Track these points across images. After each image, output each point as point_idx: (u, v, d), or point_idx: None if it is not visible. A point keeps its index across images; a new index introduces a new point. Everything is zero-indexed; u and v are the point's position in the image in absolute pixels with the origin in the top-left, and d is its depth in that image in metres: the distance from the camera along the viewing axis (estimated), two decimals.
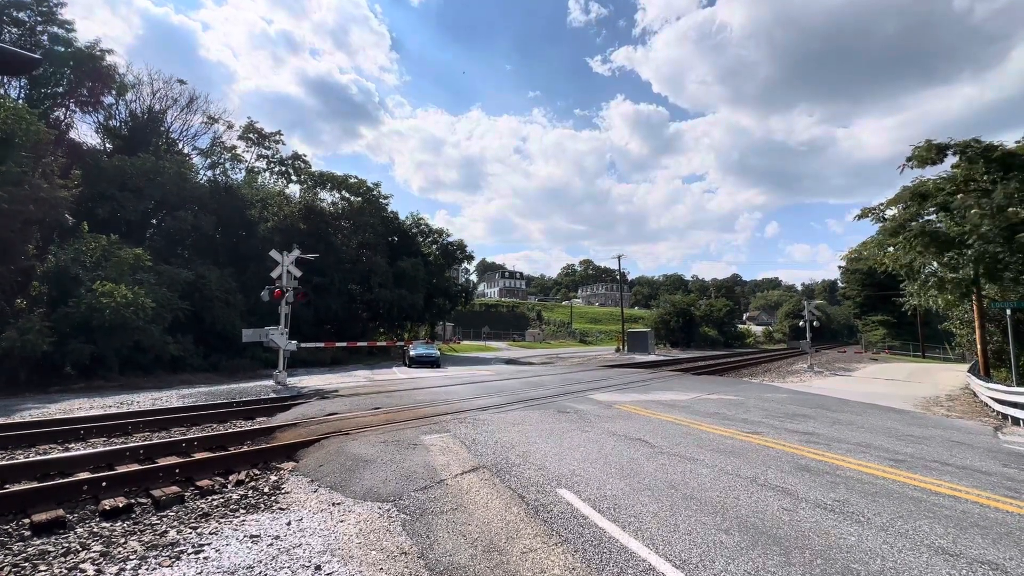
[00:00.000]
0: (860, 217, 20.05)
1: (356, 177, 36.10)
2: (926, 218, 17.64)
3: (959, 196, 15.87)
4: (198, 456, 7.05)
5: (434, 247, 42.17)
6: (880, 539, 4.33)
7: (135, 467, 6.48)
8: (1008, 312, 14.72)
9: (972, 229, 14.64)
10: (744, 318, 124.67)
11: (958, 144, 16.78)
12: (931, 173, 18.01)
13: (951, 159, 17.28)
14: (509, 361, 30.93)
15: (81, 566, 3.91)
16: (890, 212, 19.30)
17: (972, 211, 14.67)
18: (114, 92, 25.26)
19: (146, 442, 7.97)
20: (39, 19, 22.53)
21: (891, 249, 17.93)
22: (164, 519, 4.94)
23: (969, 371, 18.93)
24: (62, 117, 23.77)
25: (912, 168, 17.80)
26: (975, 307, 18.55)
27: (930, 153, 17.13)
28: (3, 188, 15.01)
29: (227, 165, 31.59)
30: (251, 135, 33.49)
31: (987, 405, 13.19)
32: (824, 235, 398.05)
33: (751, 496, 5.36)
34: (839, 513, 4.91)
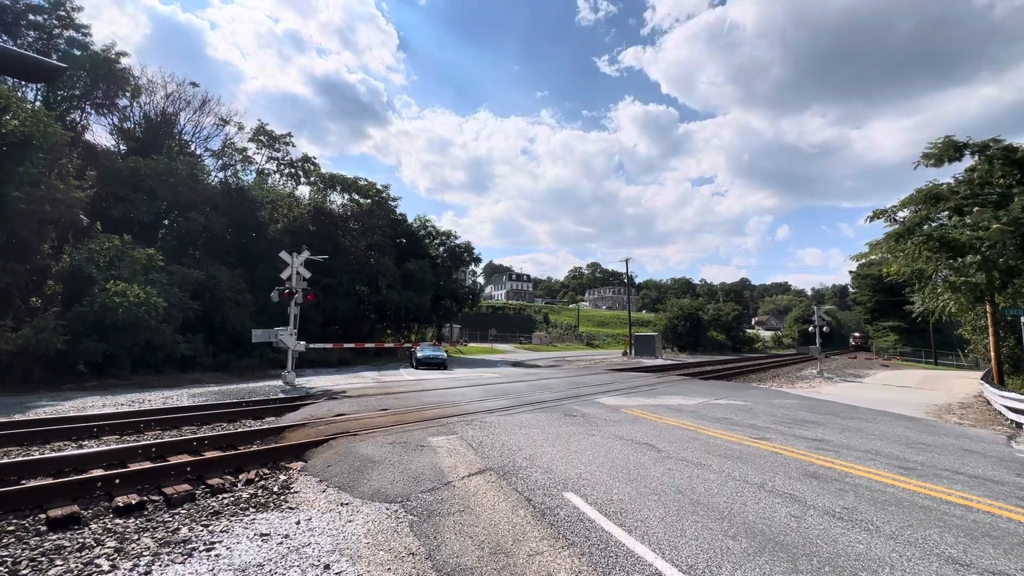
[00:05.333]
0: (872, 219, 19.87)
1: (366, 179, 36.46)
2: (938, 222, 17.43)
3: (975, 209, 15.66)
4: (209, 455, 7.14)
5: (441, 249, 42.35)
6: (889, 547, 4.30)
7: (147, 465, 6.57)
8: (1022, 319, 14.51)
9: (988, 239, 14.42)
10: (753, 323, 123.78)
11: (976, 144, 16.56)
12: (947, 174, 17.82)
13: (968, 161, 17.07)
14: (516, 364, 30.94)
15: (96, 561, 3.98)
16: (902, 214, 19.10)
17: (995, 226, 14.44)
18: (128, 95, 25.68)
19: (158, 440, 8.08)
20: (56, 23, 22.97)
21: (901, 255, 17.69)
22: (176, 516, 5.01)
23: (982, 379, 18.66)
24: (78, 119, 24.19)
25: (927, 167, 17.56)
26: (989, 313, 18.29)
27: (948, 150, 16.91)
28: (21, 189, 15.30)
29: (238, 167, 32.07)
30: (262, 137, 33.92)
31: (1000, 413, 13.00)
32: (836, 239, 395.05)
33: (758, 502, 5.33)
34: (848, 521, 4.88)
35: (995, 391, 13.94)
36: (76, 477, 5.81)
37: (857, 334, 75.01)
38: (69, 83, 23.20)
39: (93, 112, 25.09)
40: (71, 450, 7.58)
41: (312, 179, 36.37)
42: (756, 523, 4.75)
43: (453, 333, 54.00)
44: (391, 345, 31.70)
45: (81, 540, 4.39)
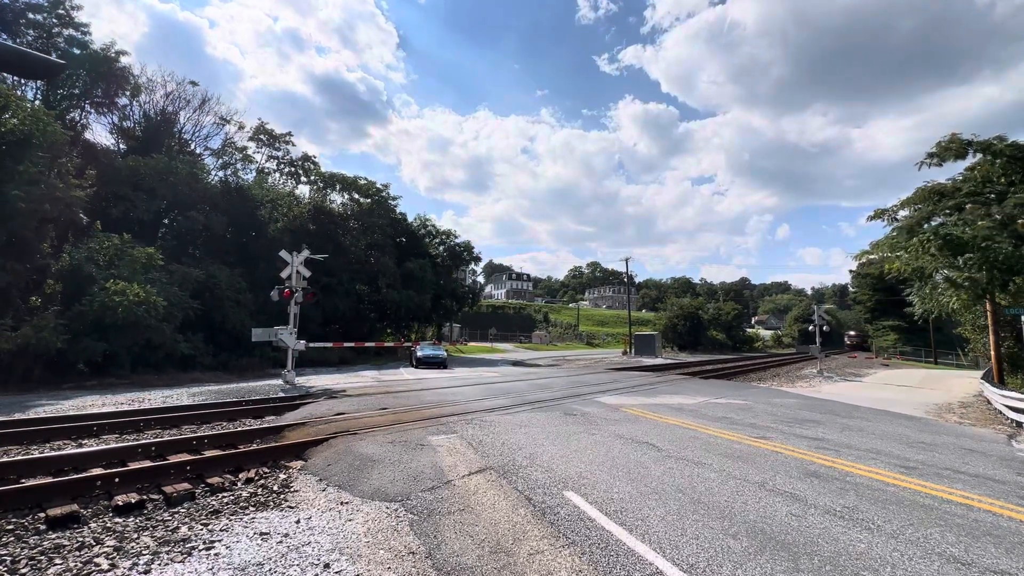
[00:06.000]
0: (873, 218, 19.87)
1: (366, 178, 36.48)
2: (940, 220, 17.43)
3: (968, 206, 15.72)
4: (208, 454, 7.13)
5: (441, 248, 42.35)
6: (890, 547, 4.29)
7: (147, 464, 6.56)
8: (1023, 318, 14.49)
9: (981, 238, 14.46)
10: (753, 322, 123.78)
11: (981, 142, 16.60)
12: (947, 175, 17.85)
13: (970, 159, 17.09)
14: (516, 363, 30.92)
15: (95, 560, 3.97)
16: (903, 214, 19.11)
17: (980, 223, 14.50)
18: (128, 93, 25.66)
19: (158, 439, 8.05)
20: (55, 22, 22.94)
21: (903, 254, 17.69)
22: (176, 515, 5.00)
23: (982, 378, 18.66)
24: (77, 118, 24.16)
25: (930, 166, 17.57)
26: (989, 312, 18.28)
27: (954, 147, 16.93)
28: (20, 187, 15.27)
29: (238, 166, 32.11)
30: (262, 136, 33.92)
31: (1001, 412, 12.99)
32: (836, 238, 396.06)
33: (759, 501, 5.33)
34: (849, 520, 4.87)
35: (995, 390, 13.94)
36: (76, 476, 5.80)
37: (852, 332, 72.85)
38: (69, 82, 23.18)
39: (93, 111, 25.09)
40: (71, 449, 7.57)
41: (312, 178, 36.36)
42: (757, 522, 4.74)
43: (453, 332, 53.98)
44: (391, 344, 31.66)
45: (80, 539, 4.38)
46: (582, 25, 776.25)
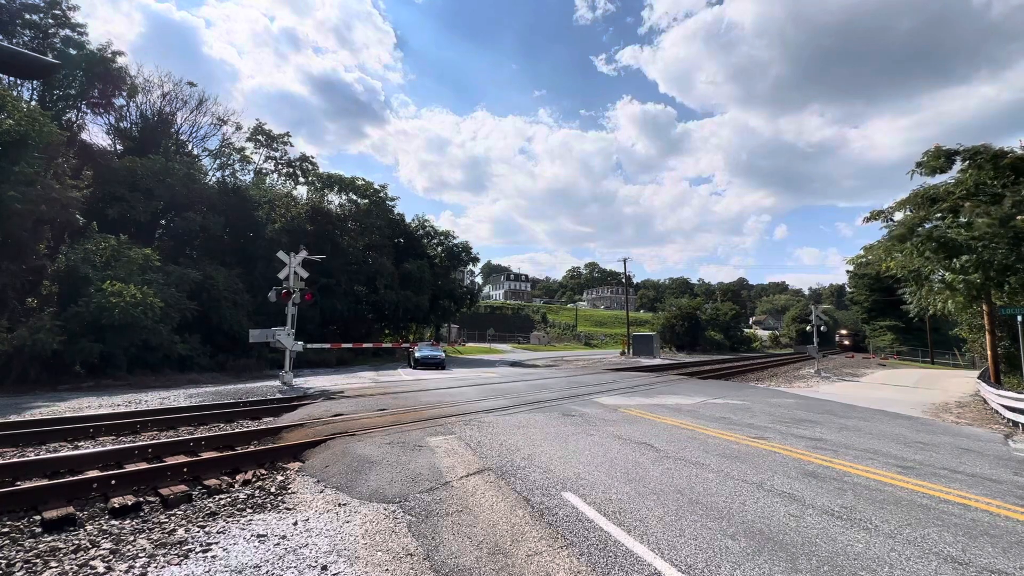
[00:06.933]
0: (869, 220, 19.92)
1: (363, 179, 36.45)
2: (934, 223, 17.49)
3: (966, 204, 15.75)
4: (205, 455, 7.10)
5: (440, 249, 42.31)
6: (888, 546, 4.29)
7: (143, 466, 6.53)
8: (1019, 319, 14.54)
9: (980, 236, 14.53)
10: (751, 322, 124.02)
11: (967, 150, 16.65)
12: (944, 176, 17.90)
13: (959, 166, 17.15)
14: (514, 363, 30.92)
15: (91, 563, 3.95)
16: (899, 215, 19.16)
17: (980, 220, 14.54)
18: (125, 94, 25.57)
19: (154, 441, 8.03)
20: (52, 22, 22.87)
21: (899, 256, 17.73)
22: (172, 518, 4.98)
23: (979, 378, 18.72)
24: (74, 119, 24.08)
25: (921, 175, 17.70)
26: (985, 313, 18.35)
27: (938, 160, 17.00)
28: (16, 188, 15.21)
29: (236, 166, 32.02)
30: (260, 136, 33.86)
31: (998, 412, 13.03)
32: (834, 238, 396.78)
33: (757, 502, 5.33)
34: (846, 520, 4.88)
35: (992, 390, 13.97)
36: (72, 478, 5.77)
37: (843, 331, 70.64)
38: (65, 82, 23.09)
39: (89, 112, 25.00)
40: (67, 451, 7.52)
41: (310, 179, 36.31)
42: (755, 522, 4.75)
43: (451, 333, 53.95)
44: (389, 345, 31.62)
45: (76, 542, 4.35)
46: (580, 25, 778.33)
